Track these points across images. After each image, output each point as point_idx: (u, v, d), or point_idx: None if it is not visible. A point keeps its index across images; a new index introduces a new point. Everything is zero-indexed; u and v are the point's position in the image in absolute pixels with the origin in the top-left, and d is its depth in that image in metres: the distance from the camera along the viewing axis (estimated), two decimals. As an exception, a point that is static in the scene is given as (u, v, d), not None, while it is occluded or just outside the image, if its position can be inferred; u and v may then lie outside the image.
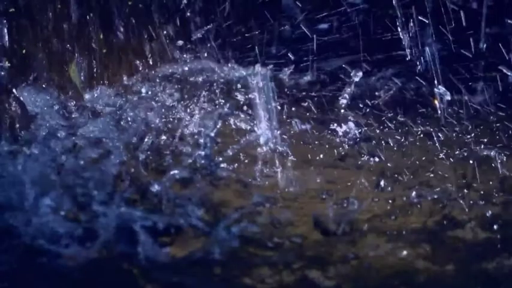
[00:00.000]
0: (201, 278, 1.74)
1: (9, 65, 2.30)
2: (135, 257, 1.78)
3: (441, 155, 2.22)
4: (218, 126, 2.17)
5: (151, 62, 2.51)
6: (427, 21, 2.47)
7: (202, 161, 2.09)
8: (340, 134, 2.31)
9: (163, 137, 2.19)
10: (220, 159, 2.10)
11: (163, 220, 1.88)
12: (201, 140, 2.12)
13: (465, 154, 2.22)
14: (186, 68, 2.43)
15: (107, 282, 1.75)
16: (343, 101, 2.37)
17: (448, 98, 2.31)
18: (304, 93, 2.48)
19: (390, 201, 2.03)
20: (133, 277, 1.74)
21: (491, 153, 2.19)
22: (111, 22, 2.47)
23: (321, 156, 2.23)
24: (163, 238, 1.84)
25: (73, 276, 1.74)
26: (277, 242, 1.87)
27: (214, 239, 1.83)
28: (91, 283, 1.74)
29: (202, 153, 2.10)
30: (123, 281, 1.75)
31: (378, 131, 2.32)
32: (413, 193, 2.04)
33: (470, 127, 2.33)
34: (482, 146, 2.24)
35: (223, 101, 2.35)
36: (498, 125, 2.36)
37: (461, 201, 2.00)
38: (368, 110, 2.41)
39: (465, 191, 2.05)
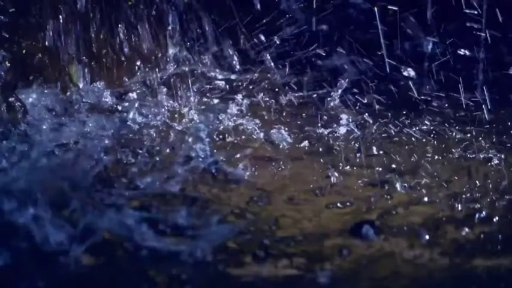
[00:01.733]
0: (198, 272, 1.74)
1: (9, 65, 2.31)
2: (134, 253, 1.79)
3: (440, 154, 2.22)
4: (216, 125, 2.18)
5: (150, 62, 2.52)
6: (426, 21, 2.47)
7: (201, 159, 2.09)
8: (340, 132, 2.31)
9: (162, 135, 2.20)
10: (219, 156, 2.11)
11: (161, 217, 1.88)
12: (200, 138, 2.12)
13: (465, 153, 2.22)
14: (185, 69, 2.45)
15: (107, 277, 1.75)
16: (340, 99, 2.37)
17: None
18: (302, 92, 2.49)
19: (389, 197, 2.03)
20: (133, 272, 1.75)
21: (490, 152, 2.19)
22: (111, 22, 2.47)
23: (320, 153, 2.23)
24: (161, 234, 1.84)
25: (73, 275, 1.74)
26: (276, 239, 1.86)
27: (212, 235, 1.83)
28: (91, 280, 1.74)
29: (201, 151, 2.10)
30: (122, 277, 1.75)
31: (377, 130, 2.32)
32: (413, 192, 2.04)
33: (468, 126, 2.33)
34: (481, 146, 2.24)
35: (220, 100, 2.37)
36: (496, 124, 2.36)
37: (460, 200, 2.00)
38: (368, 109, 2.41)
39: (465, 189, 2.05)
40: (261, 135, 2.28)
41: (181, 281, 1.72)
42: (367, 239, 1.86)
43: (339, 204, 2.01)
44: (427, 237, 1.87)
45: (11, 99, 2.26)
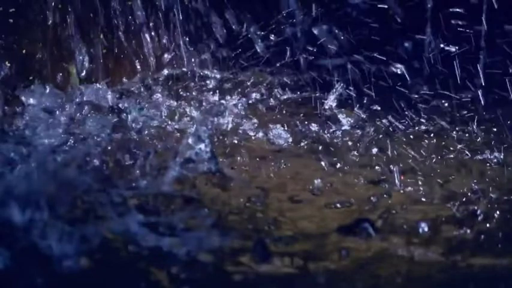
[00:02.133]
0: (197, 272, 1.74)
1: (9, 65, 2.32)
2: (134, 253, 1.79)
3: (439, 153, 2.22)
4: (215, 124, 2.18)
5: (149, 63, 2.53)
6: (425, 20, 2.48)
7: (200, 158, 2.09)
8: (339, 131, 2.32)
9: (161, 135, 2.20)
10: (218, 156, 2.11)
11: (160, 217, 1.89)
12: (199, 138, 2.12)
13: (464, 152, 2.22)
14: (183, 69, 2.45)
15: (107, 277, 1.75)
16: (339, 99, 2.38)
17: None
18: (301, 91, 2.50)
19: (388, 196, 2.03)
20: (133, 272, 1.75)
21: (489, 152, 2.19)
22: (110, 22, 2.48)
23: (320, 152, 2.23)
24: (160, 235, 1.84)
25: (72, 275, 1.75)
26: (276, 238, 1.87)
27: (211, 235, 1.84)
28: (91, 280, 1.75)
29: (200, 150, 2.10)
30: (122, 277, 1.75)
31: (376, 129, 2.32)
32: (412, 191, 2.05)
33: (468, 126, 2.34)
34: (480, 145, 2.24)
35: (219, 99, 2.37)
36: (495, 123, 2.36)
37: (459, 200, 2.01)
38: (367, 108, 2.42)
39: (464, 189, 2.05)
40: (260, 134, 2.29)
41: (181, 280, 1.72)
42: (366, 236, 1.87)
43: (337, 204, 2.01)
44: (426, 236, 1.87)
45: (10, 99, 2.26)
